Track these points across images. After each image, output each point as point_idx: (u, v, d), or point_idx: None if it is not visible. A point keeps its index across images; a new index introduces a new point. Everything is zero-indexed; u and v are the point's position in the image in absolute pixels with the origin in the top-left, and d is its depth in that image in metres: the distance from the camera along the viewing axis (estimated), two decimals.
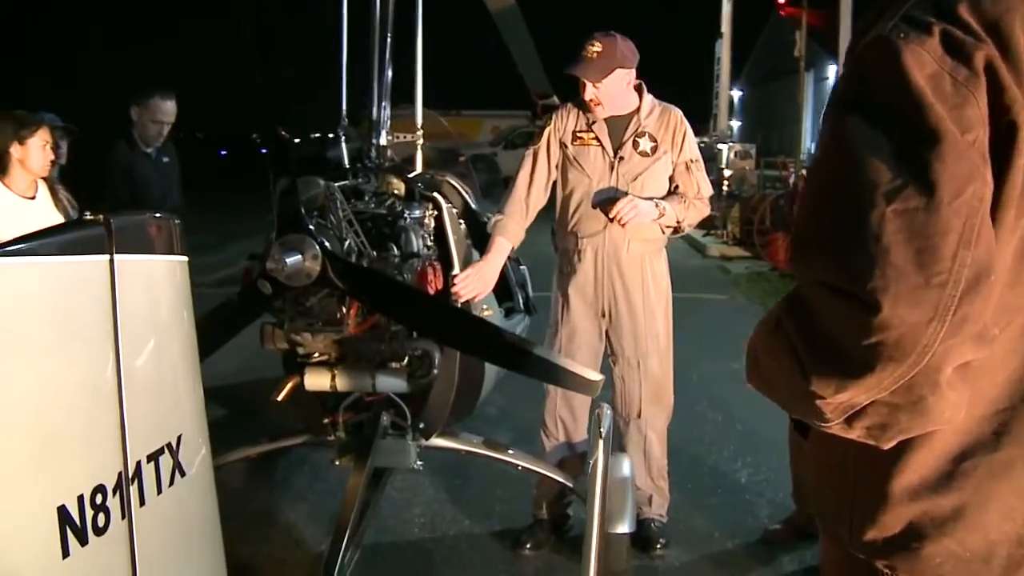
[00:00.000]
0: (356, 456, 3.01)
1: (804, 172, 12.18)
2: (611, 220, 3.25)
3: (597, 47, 3.17)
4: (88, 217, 1.21)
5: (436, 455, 3.36)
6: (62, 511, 1.15)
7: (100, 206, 4.21)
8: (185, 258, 1.44)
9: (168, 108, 4.45)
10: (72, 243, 1.18)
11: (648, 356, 3.44)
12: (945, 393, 0.99)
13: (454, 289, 2.99)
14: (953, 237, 0.93)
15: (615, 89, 3.27)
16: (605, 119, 3.35)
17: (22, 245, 1.13)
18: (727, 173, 15.16)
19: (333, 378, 2.90)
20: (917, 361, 0.95)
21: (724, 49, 16.63)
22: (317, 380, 2.92)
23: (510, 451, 3.32)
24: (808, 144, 17.03)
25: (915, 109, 0.96)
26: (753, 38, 31.63)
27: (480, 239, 3.48)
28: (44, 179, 3.76)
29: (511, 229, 3.33)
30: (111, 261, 1.19)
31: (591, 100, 3.29)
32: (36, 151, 3.58)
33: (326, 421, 3.06)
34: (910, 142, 0.96)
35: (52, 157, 3.70)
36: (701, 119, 20.31)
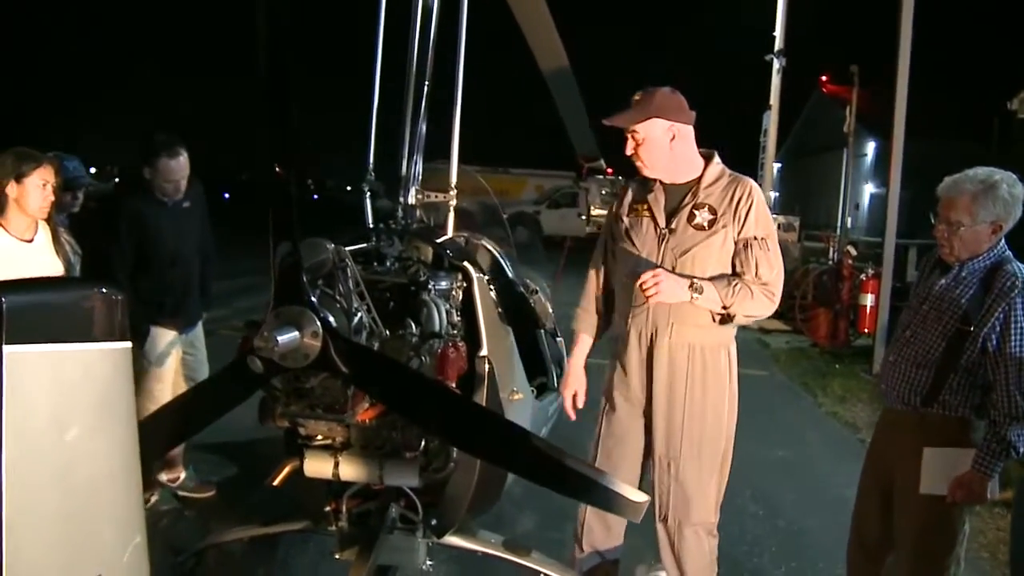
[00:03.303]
0: (360, 550, 2.66)
1: (848, 248, 11.81)
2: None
3: (636, 97, 2.92)
4: None
5: None
6: None
7: (103, 254, 3.93)
8: (127, 344, 1.10)
9: (174, 167, 4.06)
10: None
11: (682, 460, 2.95)
12: None
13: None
14: None
15: (655, 143, 2.89)
16: (664, 186, 2.95)
17: None
18: None
19: (336, 465, 2.56)
20: None
21: (772, 122, 16.18)
22: (318, 466, 2.58)
23: (534, 554, 2.93)
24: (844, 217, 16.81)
25: None
26: (794, 114, 32.11)
27: (517, 311, 3.15)
28: (46, 221, 3.46)
29: (591, 323, 3.16)
30: None
31: (631, 155, 2.95)
32: (34, 190, 3.26)
33: (328, 508, 2.72)
34: None
35: (52, 198, 3.37)
36: None
